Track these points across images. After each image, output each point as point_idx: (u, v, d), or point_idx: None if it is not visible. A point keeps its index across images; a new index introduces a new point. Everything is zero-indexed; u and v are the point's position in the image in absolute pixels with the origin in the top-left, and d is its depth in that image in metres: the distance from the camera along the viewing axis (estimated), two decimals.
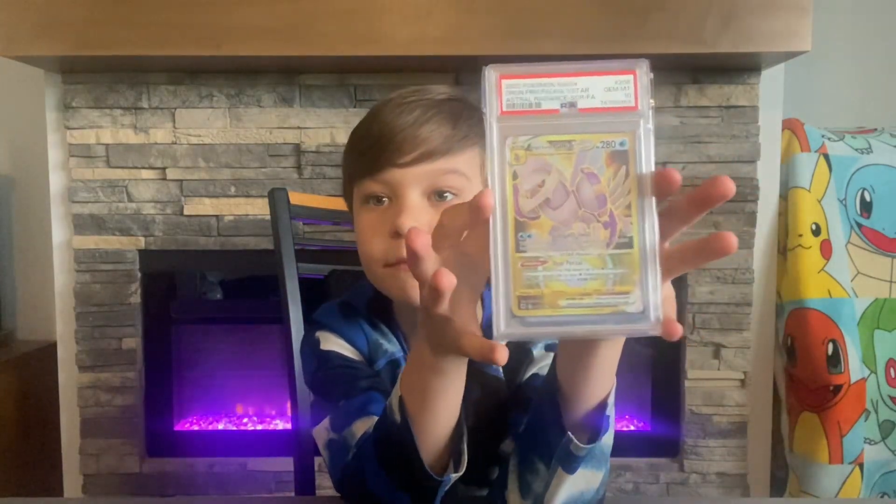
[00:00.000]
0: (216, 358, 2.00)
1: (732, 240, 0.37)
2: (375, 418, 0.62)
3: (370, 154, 0.68)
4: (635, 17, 1.56)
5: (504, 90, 0.39)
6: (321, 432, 0.70)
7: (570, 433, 0.54)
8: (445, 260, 0.42)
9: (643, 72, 0.39)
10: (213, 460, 1.81)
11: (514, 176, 0.38)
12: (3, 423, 1.76)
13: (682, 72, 1.73)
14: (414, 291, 0.66)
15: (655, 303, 0.37)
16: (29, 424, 1.84)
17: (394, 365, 0.76)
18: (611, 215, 0.37)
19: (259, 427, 1.93)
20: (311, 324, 0.81)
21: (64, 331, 1.79)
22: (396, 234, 0.66)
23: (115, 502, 1.46)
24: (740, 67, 1.72)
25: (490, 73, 0.39)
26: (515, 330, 0.37)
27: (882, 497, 1.72)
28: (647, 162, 0.38)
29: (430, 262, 0.41)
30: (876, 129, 1.84)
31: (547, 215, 0.38)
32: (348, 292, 0.83)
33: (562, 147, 0.38)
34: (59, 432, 1.80)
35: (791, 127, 1.79)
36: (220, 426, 1.94)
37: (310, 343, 0.78)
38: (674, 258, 0.39)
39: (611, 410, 0.56)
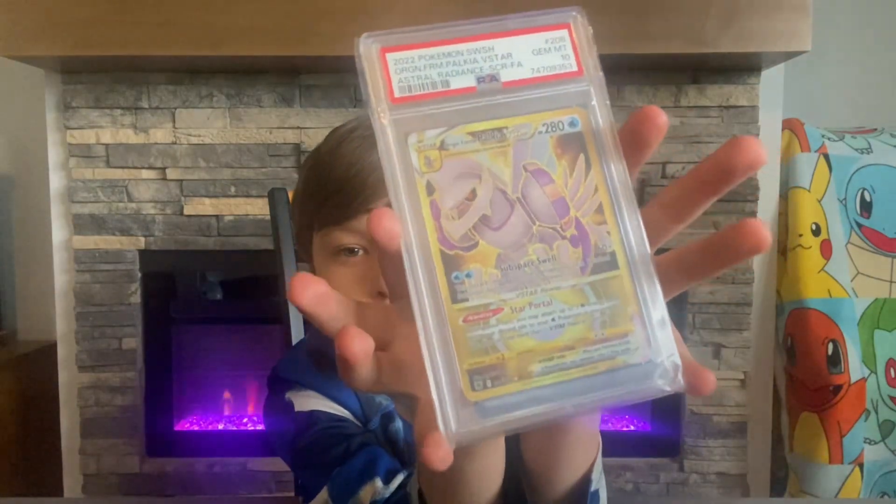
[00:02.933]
0: (216, 358, 2.00)
1: (763, 230, 0.26)
2: (380, 482, 0.53)
3: (338, 199, 0.58)
4: (635, 17, 1.56)
5: (392, 68, 0.27)
6: None
7: None
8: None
9: (579, 23, 0.28)
10: (213, 460, 1.81)
11: (430, 189, 0.26)
12: (3, 423, 1.75)
13: (682, 72, 1.73)
14: None
15: (667, 342, 0.26)
16: (29, 424, 1.84)
17: (387, 419, 0.64)
18: (578, 225, 0.27)
19: (259, 427, 1.93)
20: (276, 382, 0.67)
21: (64, 331, 1.79)
22: (381, 295, 0.57)
23: (115, 502, 1.46)
24: (740, 67, 1.72)
25: (366, 47, 0.27)
26: (471, 426, 0.25)
27: (882, 497, 1.72)
28: (611, 143, 0.27)
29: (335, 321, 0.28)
30: (876, 129, 1.84)
31: (488, 240, 0.26)
32: (310, 334, 0.70)
33: (490, 138, 0.27)
34: (59, 432, 1.80)
35: (791, 127, 1.79)
36: (220, 426, 1.94)
37: (279, 407, 0.64)
38: (672, 267, 0.28)
39: (598, 483, 0.45)
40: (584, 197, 0.27)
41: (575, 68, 0.28)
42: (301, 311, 0.27)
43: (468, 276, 0.26)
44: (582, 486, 0.43)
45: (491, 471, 0.41)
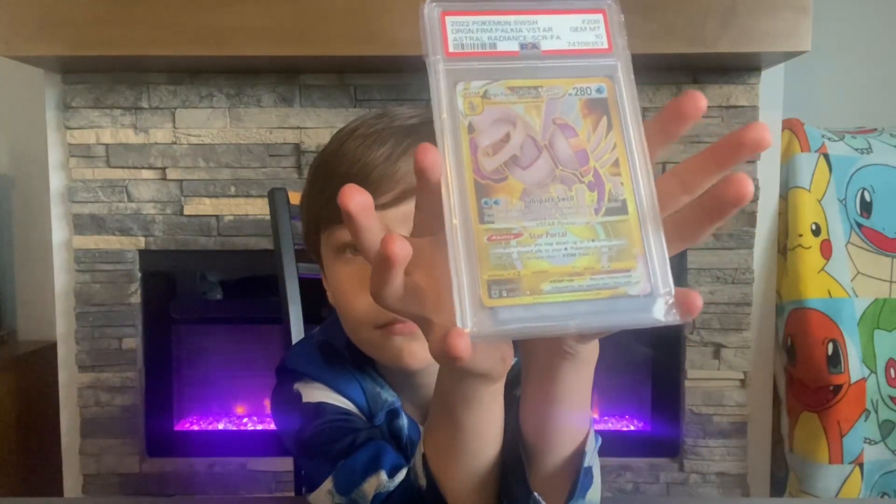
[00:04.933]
0: (216, 358, 2.00)
1: (746, 181, 0.29)
2: (385, 475, 0.54)
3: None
4: (635, 17, 1.55)
5: (449, 28, 0.31)
6: (321, 497, 0.58)
7: (536, 494, 0.46)
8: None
9: (613, 10, 0.33)
10: (213, 460, 1.81)
11: (471, 129, 0.30)
12: (3, 423, 1.76)
13: (682, 72, 1.73)
14: (411, 358, 0.58)
15: (665, 280, 0.30)
16: (29, 424, 1.84)
17: (392, 415, 0.65)
18: (596, 174, 0.31)
19: (259, 427, 1.93)
20: (285, 373, 0.68)
21: (64, 331, 1.79)
22: None
23: (115, 502, 1.46)
24: (740, 67, 1.72)
25: (430, 9, 0.31)
26: (486, 328, 0.28)
27: (882, 497, 1.72)
28: (631, 110, 0.32)
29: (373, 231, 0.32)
30: (876, 129, 1.84)
31: (516, 176, 0.30)
32: (321, 328, 0.71)
33: (527, 94, 0.31)
34: (59, 432, 1.80)
35: (791, 127, 1.79)
36: (220, 426, 1.94)
37: (287, 398, 0.65)
38: (670, 228, 0.31)
39: (592, 460, 0.47)
40: (603, 151, 0.31)
41: (606, 46, 0.32)
42: (346, 213, 0.30)
43: (496, 203, 0.30)
44: (576, 458, 0.45)
45: (489, 427, 0.44)
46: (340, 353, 0.66)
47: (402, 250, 0.29)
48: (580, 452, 0.45)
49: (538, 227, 0.30)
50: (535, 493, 0.45)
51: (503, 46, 0.31)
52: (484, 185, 0.30)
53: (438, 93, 0.30)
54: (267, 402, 2.00)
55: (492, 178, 0.30)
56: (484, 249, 0.29)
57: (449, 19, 0.31)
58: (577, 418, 0.44)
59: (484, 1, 0.32)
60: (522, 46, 0.32)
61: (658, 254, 0.30)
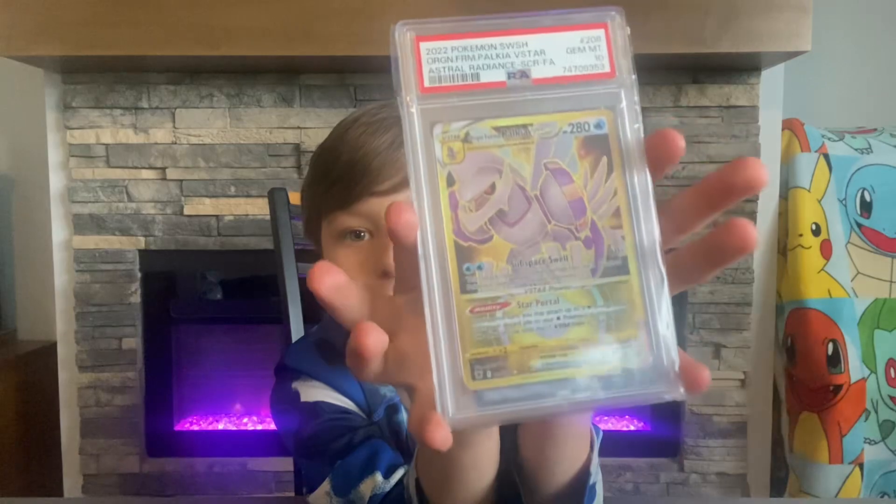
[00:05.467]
0: (216, 358, 2.00)
1: (749, 229, 0.26)
2: (380, 476, 0.54)
3: (343, 184, 0.59)
4: (635, 17, 1.54)
5: (424, 57, 0.27)
6: (320, 498, 0.59)
7: None
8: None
9: (617, 24, 0.28)
10: (213, 460, 1.81)
11: (450, 181, 0.27)
12: (3, 423, 1.75)
13: (682, 72, 1.73)
14: None
15: (670, 350, 0.26)
16: (29, 424, 1.84)
17: (392, 410, 0.65)
18: (593, 228, 0.27)
19: (259, 427, 1.93)
20: (283, 371, 0.68)
21: (64, 331, 1.79)
22: (385, 274, 0.57)
23: (115, 502, 1.46)
24: (740, 67, 1.72)
25: (401, 34, 0.27)
26: (468, 413, 0.25)
27: (882, 497, 1.72)
28: (636, 148, 0.27)
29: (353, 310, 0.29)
30: (876, 129, 1.84)
31: (503, 235, 0.26)
32: (319, 326, 0.71)
33: (515, 135, 0.27)
34: (59, 432, 1.80)
35: (791, 127, 1.79)
36: (221, 426, 1.94)
37: (285, 397, 0.65)
38: (668, 272, 0.28)
39: (596, 475, 0.45)
40: (603, 200, 0.27)
41: (607, 69, 0.28)
42: (318, 298, 0.28)
43: (479, 268, 0.26)
44: (581, 478, 0.44)
45: (485, 461, 0.42)
46: (338, 350, 0.66)
47: (374, 345, 0.27)
48: (584, 472, 0.44)
49: (527, 295, 0.26)
50: None
51: (488, 76, 0.27)
52: (466, 249, 0.26)
53: (413, 138, 0.27)
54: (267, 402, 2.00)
55: (475, 240, 0.26)
56: (467, 323, 0.26)
57: (424, 46, 0.27)
58: (578, 443, 0.43)
59: (463, 20, 0.28)
60: (510, 75, 0.27)
61: (663, 319, 0.26)
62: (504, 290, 0.26)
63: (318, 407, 0.63)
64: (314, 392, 0.64)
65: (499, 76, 0.27)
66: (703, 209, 0.28)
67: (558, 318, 0.26)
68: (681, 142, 0.27)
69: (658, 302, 0.27)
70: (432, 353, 0.26)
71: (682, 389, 0.26)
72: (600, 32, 0.28)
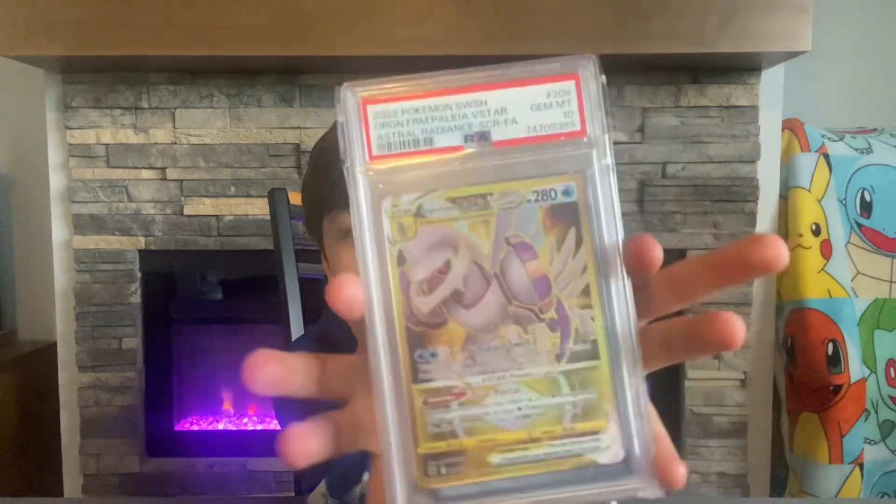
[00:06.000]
0: (216, 358, 2.00)
1: (736, 326, 0.24)
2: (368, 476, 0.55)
3: (343, 181, 0.59)
4: (636, 17, 1.56)
5: (372, 122, 0.25)
6: (317, 499, 0.60)
7: None
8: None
9: (589, 74, 0.25)
10: (213, 460, 1.81)
11: (401, 259, 0.25)
12: (3, 423, 1.75)
13: (682, 72, 1.73)
14: None
15: (644, 442, 0.24)
16: (29, 424, 1.84)
17: None
18: (559, 308, 0.25)
19: (259, 427, 1.93)
20: None
21: (64, 331, 1.79)
22: None
23: (115, 502, 1.46)
24: (740, 67, 1.72)
25: (347, 98, 0.25)
26: None
27: (882, 497, 1.72)
28: (607, 217, 0.25)
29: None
30: (876, 129, 1.84)
31: (458, 318, 0.25)
32: (319, 323, 0.70)
33: (472, 206, 0.25)
34: (59, 432, 1.80)
35: (791, 127, 1.79)
36: (221, 426, 1.94)
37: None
38: (656, 343, 0.26)
39: None
40: (570, 277, 0.25)
41: (577, 127, 0.25)
42: (260, 394, 0.26)
43: (433, 355, 0.24)
44: None
45: None
46: (338, 345, 0.66)
47: (301, 453, 0.25)
48: None
49: (485, 384, 0.24)
50: None
51: (442, 141, 0.25)
52: (418, 333, 0.24)
53: (360, 212, 0.24)
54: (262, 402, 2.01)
55: (427, 324, 0.24)
56: (419, 416, 0.24)
57: (371, 110, 0.25)
58: None
59: (416, 78, 0.25)
60: (467, 138, 0.25)
61: (635, 409, 0.24)
62: (459, 378, 0.24)
63: (316, 404, 0.63)
64: None
65: (455, 140, 0.25)
66: (709, 281, 0.25)
67: (519, 409, 0.24)
68: (657, 251, 0.25)
69: (632, 388, 0.24)
70: (382, 448, 0.24)
71: (657, 487, 0.24)
72: (570, 85, 0.25)
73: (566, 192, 0.25)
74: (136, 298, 1.78)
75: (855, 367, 1.66)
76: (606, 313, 0.24)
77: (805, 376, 1.71)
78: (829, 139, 1.78)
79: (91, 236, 1.75)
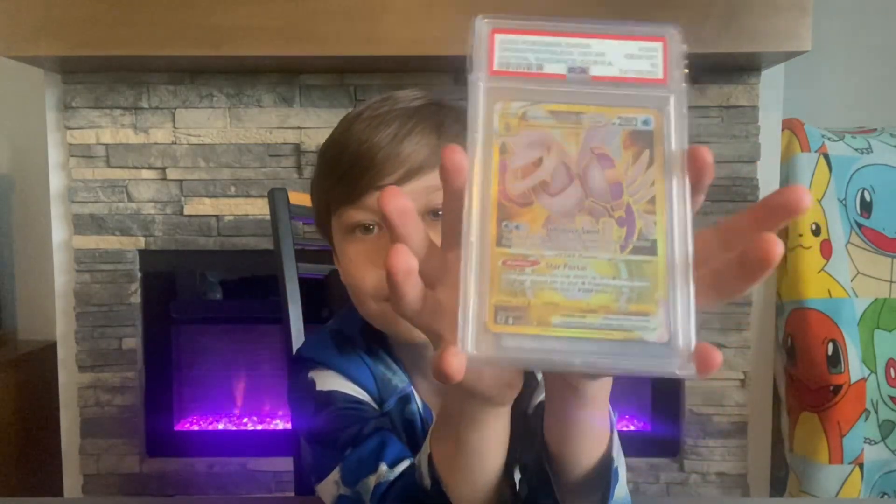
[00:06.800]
0: (216, 358, 2.00)
1: (776, 244, 0.27)
2: (385, 466, 0.55)
3: (348, 179, 0.60)
4: (636, 16, 1.54)
5: (497, 46, 0.30)
6: (328, 487, 0.60)
7: None
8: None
9: (675, 40, 0.31)
10: (213, 460, 1.81)
11: (503, 149, 0.29)
12: (3, 423, 1.75)
13: None
14: (415, 329, 0.61)
15: (687, 331, 0.27)
16: (29, 424, 1.84)
17: (404, 401, 0.66)
18: (628, 210, 0.29)
19: (259, 427, 1.93)
20: (300, 362, 0.69)
21: (64, 331, 1.79)
22: None
23: (115, 502, 1.46)
24: (740, 67, 1.72)
25: (480, 26, 0.31)
26: (486, 351, 0.27)
27: (882, 497, 1.72)
28: (678, 147, 0.29)
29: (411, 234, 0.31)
30: (876, 129, 1.84)
31: (543, 203, 0.29)
32: (336, 318, 0.73)
33: (567, 119, 0.30)
34: (59, 432, 1.80)
35: (791, 127, 1.79)
36: (220, 426, 1.94)
37: (302, 386, 0.67)
38: (706, 282, 0.29)
39: (618, 459, 0.48)
40: (640, 186, 0.29)
41: (661, 76, 0.30)
42: (384, 215, 0.30)
43: (517, 227, 0.28)
44: (604, 461, 0.46)
45: (491, 447, 0.44)
46: (353, 340, 0.68)
47: (401, 264, 0.29)
48: (607, 457, 0.46)
49: (557, 258, 0.28)
50: None
51: (550, 68, 0.30)
52: (507, 208, 0.29)
53: (476, 110, 0.29)
54: (268, 401, 2.00)
55: (517, 202, 0.29)
56: (497, 273, 0.28)
57: (499, 37, 0.30)
58: (596, 433, 0.44)
59: (540, 20, 0.31)
60: (570, 70, 0.30)
61: (683, 302, 0.28)
62: (536, 249, 0.28)
63: (331, 396, 0.64)
64: (329, 381, 0.65)
65: (560, 69, 0.30)
66: (752, 228, 0.29)
67: (583, 283, 0.28)
68: (708, 157, 0.29)
69: (682, 286, 0.28)
70: (461, 292, 0.27)
71: (693, 369, 0.27)
72: (658, 44, 0.31)
73: (646, 122, 0.30)
74: (136, 298, 1.78)
75: (855, 367, 1.66)
76: (667, 221, 0.29)
77: (805, 376, 1.71)
78: (829, 139, 1.78)
79: (91, 236, 1.75)
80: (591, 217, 0.29)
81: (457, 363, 0.27)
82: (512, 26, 0.31)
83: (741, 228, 0.30)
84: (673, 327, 0.27)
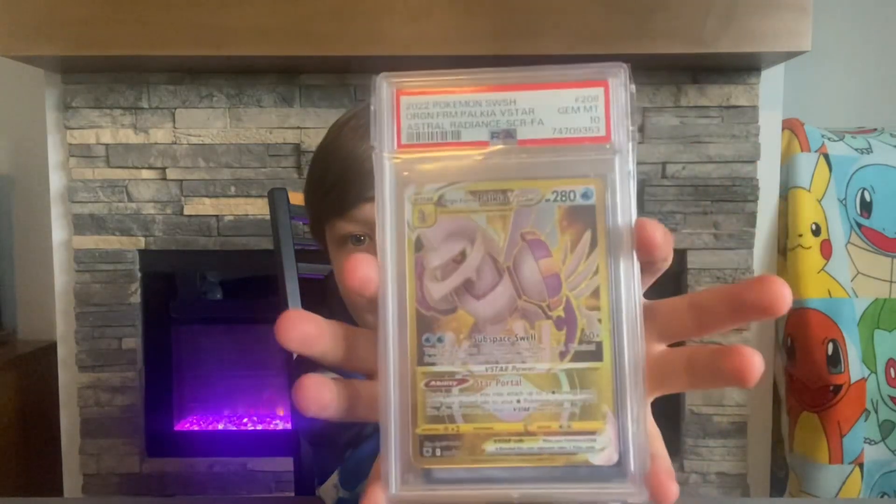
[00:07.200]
0: (216, 358, 2.00)
1: (755, 364, 0.24)
2: None
3: (337, 191, 0.60)
4: (636, 17, 1.56)
5: (404, 112, 0.26)
6: (329, 490, 0.60)
7: None
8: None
9: (619, 82, 0.25)
10: (213, 460, 1.81)
11: (418, 245, 0.25)
12: (3, 423, 1.75)
13: (682, 72, 1.73)
14: None
15: (639, 447, 0.24)
16: (29, 424, 1.84)
17: None
18: (567, 307, 0.25)
19: (259, 427, 1.93)
20: (302, 364, 0.70)
21: (64, 331, 1.79)
22: None
23: (115, 502, 1.46)
24: (740, 67, 1.72)
25: (382, 87, 0.26)
26: (415, 490, 0.24)
27: (882, 497, 1.72)
28: (624, 223, 0.25)
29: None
30: (876, 129, 1.84)
31: (468, 307, 0.25)
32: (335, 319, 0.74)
33: (492, 200, 0.25)
34: (59, 432, 1.80)
35: (791, 127, 1.79)
36: (220, 426, 1.94)
37: None
38: (681, 366, 0.26)
39: None
40: (582, 277, 0.25)
41: (602, 133, 0.25)
42: (290, 350, 0.27)
43: (439, 340, 0.25)
44: None
45: None
46: None
47: (314, 401, 0.26)
48: None
49: (487, 373, 0.25)
50: None
51: (469, 135, 0.26)
52: (428, 318, 0.25)
53: (383, 196, 0.25)
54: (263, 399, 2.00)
55: (437, 310, 0.25)
56: (420, 397, 0.25)
57: (405, 101, 0.26)
58: None
59: (450, 74, 0.26)
60: (493, 135, 0.26)
61: (634, 415, 0.24)
62: (463, 365, 0.25)
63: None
64: None
65: (481, 135, 0.26)
66: (726, 314, 0.25)
67: (518, 402, 0.25)
68: (657, 235, 0.25)
69: (633, 395, 0.24)
70: (381, 423, 0.25)
71: (646, 495, 0.24)
72: (599, 91, 0.26)
73: (585, 195, 0.25)
74: (136, 298, 1.78)
75: (855, 367, 1.66)
76: (613, 317, 0.25)
77: (805, 376, 1.71)
78: (829, 139, 1.78)
79: (91, 236, 1.75)
80: (525, 320, 0.25)
81: None
82: (421, 85, 0.26)
83: (718, 312, 0.26)
84: (623, 446, 0.24)
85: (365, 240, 0.60)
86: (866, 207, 1.75)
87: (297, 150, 1.75)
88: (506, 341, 0.25)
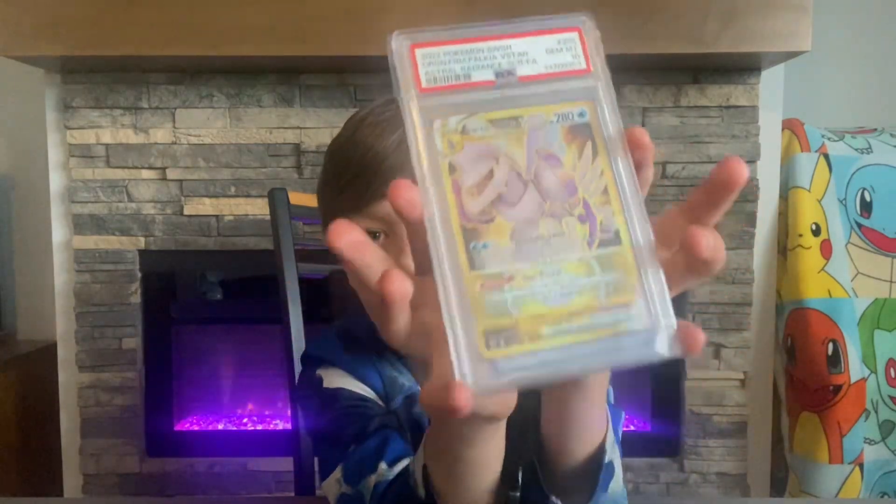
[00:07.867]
0: (216, 358, 2.00)
1: (702, 239, 0.28)
2: (385, 465, 0.56)
3: (354, 187, 0.60)
4: (636, 17, 1.55)
5: (420, 62, 0.30)
6: (332, 486, 0.60)
7: (555, 498, 0.46)
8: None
9: (589, 27, 0.31)
10: (213, 460, 1.81)
11: (452, 169, 0.29)
12: (3, 423, 1.75)
13: (682, 72, 1.73)
14: None
15: (666, 312, 0.28)
16: (29, 424, 1.84)
17: (410, 400, 0.66)
18: (585, 205, 0.29)
19: (259, 427, 1.93)
20: (308, 360, 0.71)
21: (64, 331, 1.79)
22: None
23: (115, 502, 1.46)
24: (740, 67, 1.72)
25: (398, 43, 0.30)
26: (487, 380, 0.27)
27: (882, 497, 1.72)
28: (616, 133, 0.30)
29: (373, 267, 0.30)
30: (876, 129, 1.84)
31: (504, 215, 0.29)
32: (343, 319, 0.73)
33: (507, 126, 0.30)
34: (59, 432, 1.80)
35: (791, 127, 1.79)
36: (220, 426, 1.94)
37: (309, 383, 0.68)
38: (679, 265, 0.30)
39: (612, 454, 0.47)
40: (591, 179, 0.30)
41: (584, 66, 0.31)
42: (337, 254, 0.29)
43: (485, 246, 0.28)
44: (597, 455, 0.46)
45: (493, 455, 0.44)
46: (359, 340, 0.68)
47: (399, 290, 0.29)
48: (600, 450, 0.46)
49: (531, 268, 0.28)
50: (553, 498, 0.46)
51: (478, 76, 0.30)
52: (471, 230, 0.28)
53: (414, 133, 0.29)
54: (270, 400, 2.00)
55: (479, 221, 0.29)
56: (478, 298, 0.28)
57: (419, 52, 0.30)
58: (594, 418, 0.45)
59: (452, 28, 0.31)
60: (498, 75, 0.30)
61: (656, 284, 0.29)
62: (509, 265, 0.28)
63: (337, 394, 0.65)
64: (336, 379, 0.66)
65: (488, 75, 0.30)
66: (708, 206, 0.31)
67: (561, 288, 0.28)
68: (645, 138, 0.31)
69: (651, 269, 0.29)
70: (448, 329, 0.27)
71: (679, 347, 0.28)
72: (574, 35, 0.31)
73: (581, 115, 0.30)
74: (137, 298, 1.78)
75: (855, 367, 1.66)
76: (624, 208, 0.29)
77: (805, 376, 1.71)
78: (829, 139, 1.78)
79: (91, 236, 1.75)
80: (554, 220, 0.29)
81: (464, 399, 0.27)
82: (430, 38, 0.31)
83: (700, 202, 0.31)
84: (653, 311, 0.28)
85: (380, 236, 0.60)
86: (866, 207, 1.75)
87: (297, 150, 1.75)
88: (541, 239, 0.29)
